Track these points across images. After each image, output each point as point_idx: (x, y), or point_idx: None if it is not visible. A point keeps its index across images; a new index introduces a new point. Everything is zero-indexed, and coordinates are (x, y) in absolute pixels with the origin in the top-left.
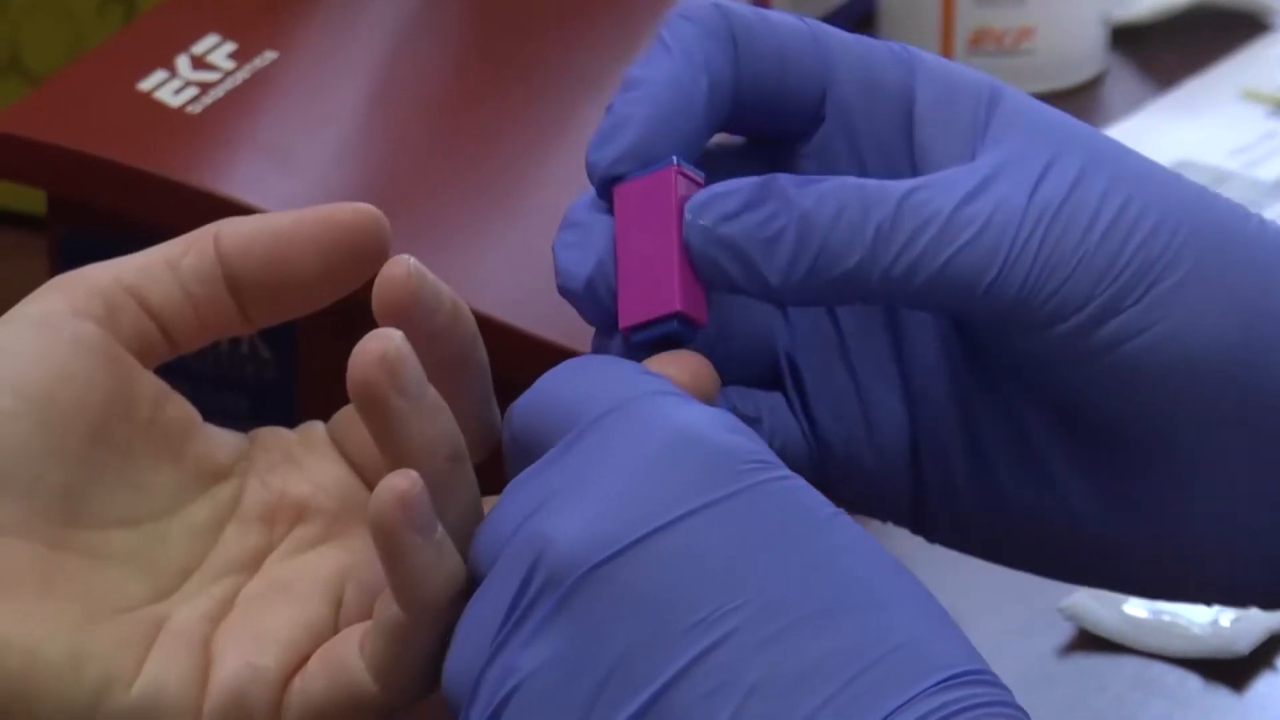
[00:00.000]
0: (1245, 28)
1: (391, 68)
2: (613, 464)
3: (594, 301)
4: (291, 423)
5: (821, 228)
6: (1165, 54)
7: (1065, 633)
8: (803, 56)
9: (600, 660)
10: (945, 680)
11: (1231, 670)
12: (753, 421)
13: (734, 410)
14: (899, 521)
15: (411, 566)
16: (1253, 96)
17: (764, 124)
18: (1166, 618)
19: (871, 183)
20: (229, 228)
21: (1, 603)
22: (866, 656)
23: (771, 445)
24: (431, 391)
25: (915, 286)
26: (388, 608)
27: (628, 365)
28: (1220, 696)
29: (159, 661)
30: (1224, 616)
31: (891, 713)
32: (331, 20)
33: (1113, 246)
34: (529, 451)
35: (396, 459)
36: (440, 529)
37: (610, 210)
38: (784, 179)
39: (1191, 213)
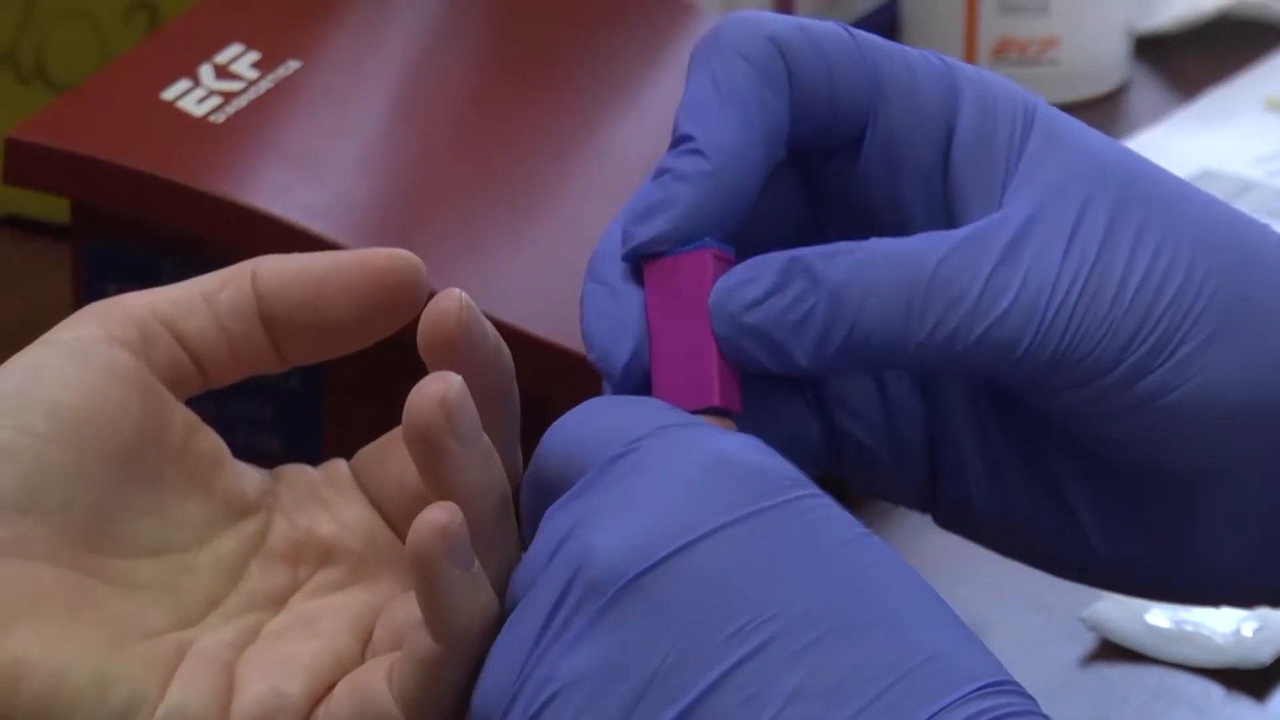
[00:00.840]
0: (1268, 38)
1: (414, 76)
2: (651, 482)
3: (631, 388)
4: (316, 433)
5: (851, 307)
6: (1189, 64)
7: (1087, 642)
8: (850, 78)
9: (639, 669)
10: (977, 690)
11: (1254, 680)
12: (768, 421)
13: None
14: (911, 508)
15: (447, 598)
16: (1276, 106)
17: (805, 145)
18: (1189, 627)
19: (901, 250)
20: (267, 266)
21: (28, 626)
22: (900, 667)
23: (783, 437)
24: (485, 439)
25: (948, 358)
26: (420, 639)
27: (655, 402)
28: (1242, 706)
29: (183, 686)
30: (1246, 626)
31: (929, 719)
32: (354, 30)
33: (1142, 307)
34: (559, 485)
35: (445, 500)
36: (476, 563)
37: (638, 280)
38: (810, 255)
39: (1220, 250)
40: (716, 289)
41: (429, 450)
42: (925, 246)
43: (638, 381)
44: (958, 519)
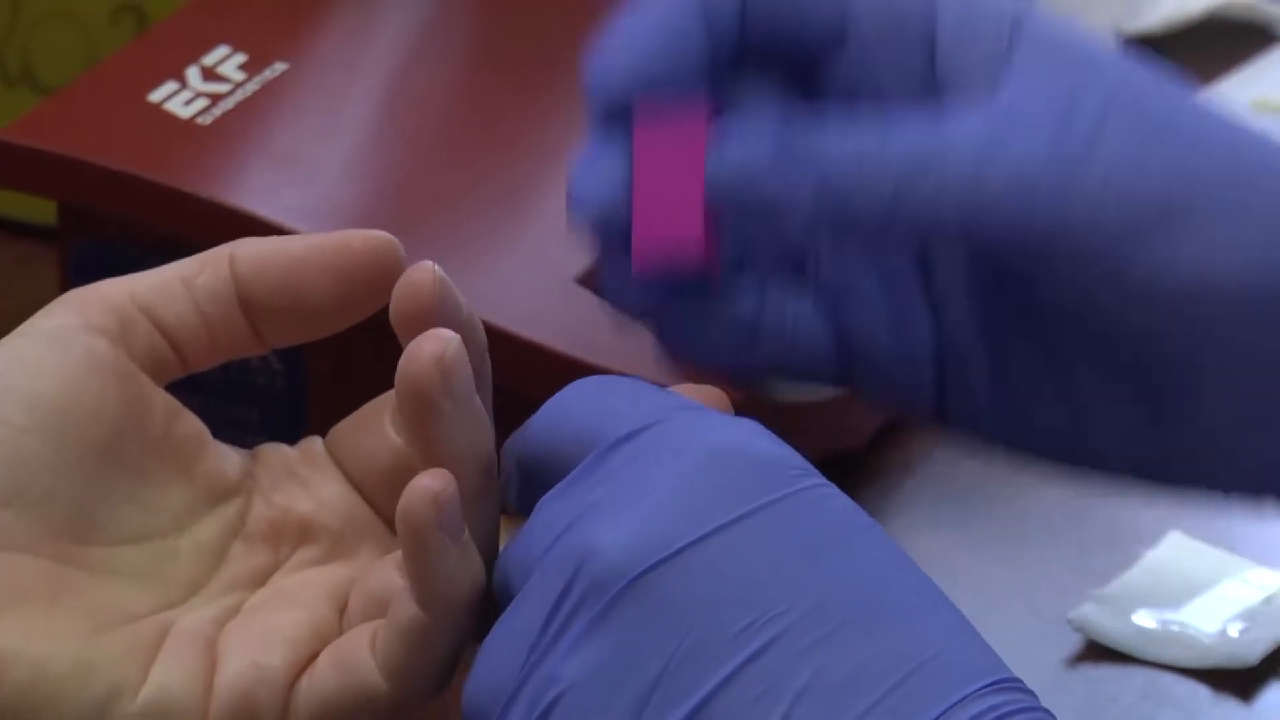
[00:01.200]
0: (1256, 39)
1: (401, 78)
2: (653, 475)
3: (611, 235)
4: (302, 435)
5: (843, 191)
6: (1176, 65)
7: (1074, 643)
8: None
9: (647, 667)
10: (986, 686)
11: (1240, 681)
12: (777, 329)
13: (761, 302)
14: (920, 416)
15: (436, 566)
16: (1263, 108)
17: (782, 46)
18: (1175, 628)
19: (894, 135)
20: (244, 249)
21: (9, 616)
22: (911, 661)
23: (795, 338)
24: (478, 402)
25: (941, 235)
26: (405, 607)
27: (650, 386)
28: (1229, 707)
29: (165, 667)
30: (1232, 627)
31: (942, 714)
32: (341, 31)
33: (1133, 189)
34: (548, 470)
35: (434, 464)
36: (466, 532)
37: (621, 135)
38: (801, 131)
39: (1214, 160)
40: (710, 159)
41: (422, 409)
42: (916, 133)
43: (617, 231)
44: (965, 416)
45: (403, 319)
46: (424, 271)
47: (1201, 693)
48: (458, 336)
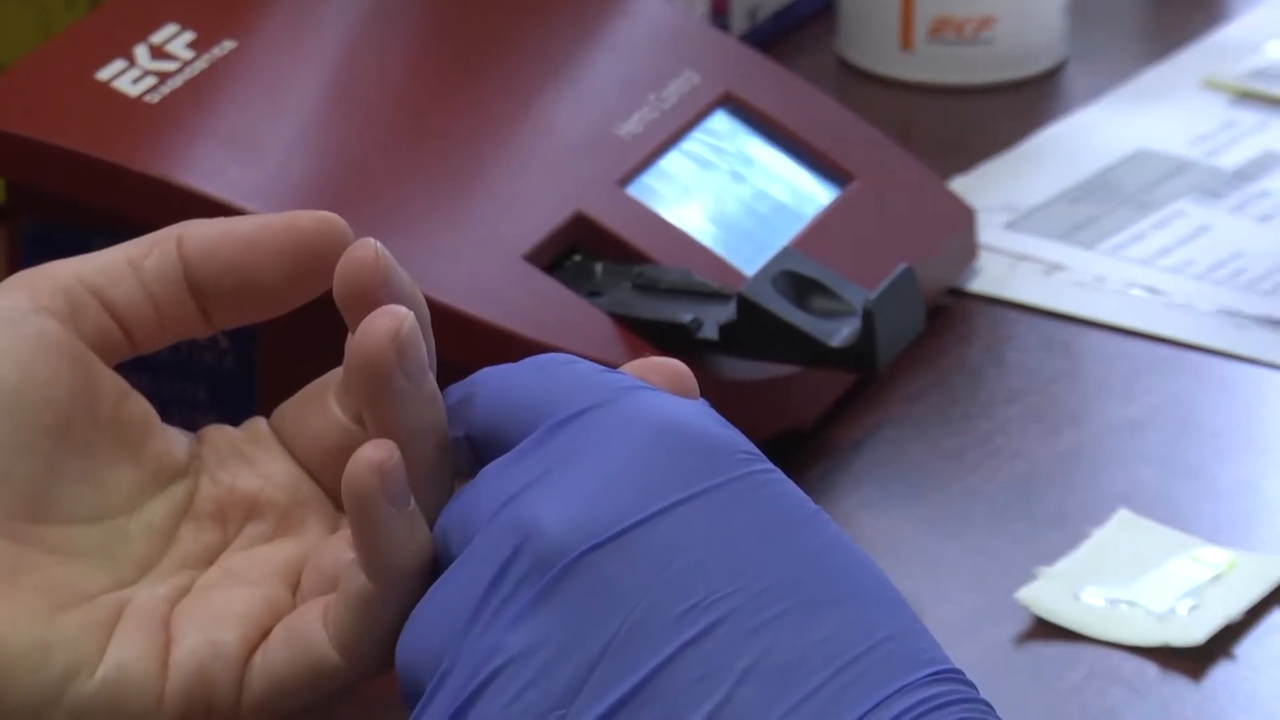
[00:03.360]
0: (1206, 17)
1: (351, 57)
2: (600, 452)
3: None
4: (251, 413)
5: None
6: (1127, 43)
7: (1022, 622)
8: None
9: (591, 643)
10: (931, 674)
11: (1188, 659)
12: None
13: None
14: None
15: (383, 536)
16: (1213, 85)
17: None
18: (1124, 606)
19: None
20: (192, 230)
21: None
22: (856, 647)
23: None
24: (431, 378)
25: None
26: (355, 578)
27: (601, 367)
28: (1177, 685)
29: (121, 644)
30: (1181, 605)
31: (883, 700)
32: (290, 9)
33: None
34: (497, 445)
35: (386, 438)
36: (413, 502)
37: None
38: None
39: None
40: None
41: (377, 385)
42: None
43: None
44: None
45: (347, 296)
46: (366, 249)
47: (1150, 671)
48: (411, 313)
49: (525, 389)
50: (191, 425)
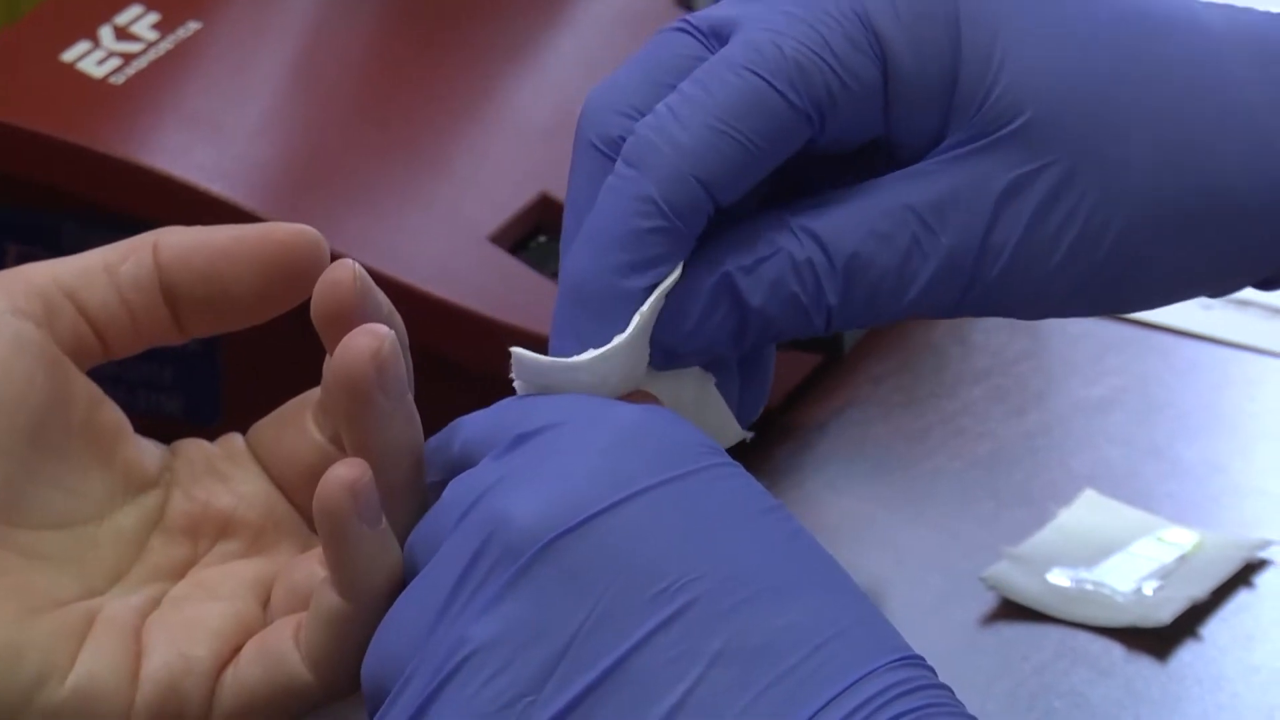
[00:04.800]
0: None
1: (315, 37)
2: (567, 449)
3: None
4: (214, 394)
5: (772, 321)
6: None
7: (988, 602)
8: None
9: (560, 629)
10: (895, 661)
11: (1154, 640)
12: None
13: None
14: None
15: (354, 554)
16: None
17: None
18: (1090, 587)
19: (819, 259)
20: (169, 237)
21: None
22: (822, 633)
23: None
24: (409, 398)
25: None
26: (327, 597)
27: (576, 395)
28: (1143, 665)
29: (92, 653)
30: (1147, 585)
31: (850, 685)
32: None
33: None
34: (465, 465)
35: (366, 458)
36: (384, 521)
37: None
38: (735, 274)
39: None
40: (656, 329)
41: (356, 403)
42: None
43: None
44: None
45: (324, 317)
46: (344, 269)
47: (1116, 651)
48: (392, 332)
49: (497, 420)
50: (157, 407)
